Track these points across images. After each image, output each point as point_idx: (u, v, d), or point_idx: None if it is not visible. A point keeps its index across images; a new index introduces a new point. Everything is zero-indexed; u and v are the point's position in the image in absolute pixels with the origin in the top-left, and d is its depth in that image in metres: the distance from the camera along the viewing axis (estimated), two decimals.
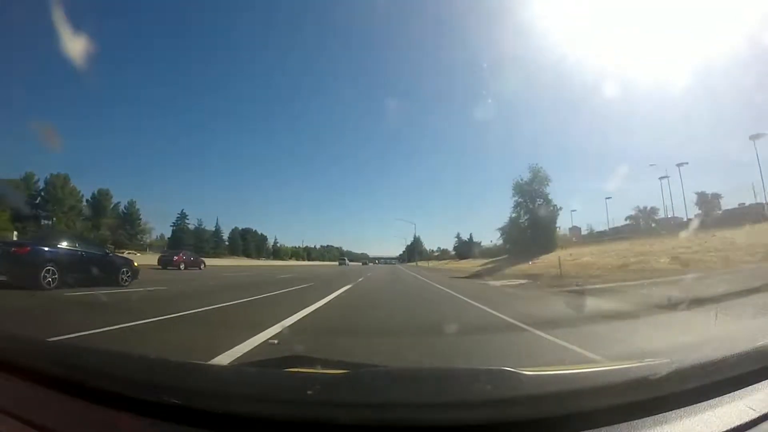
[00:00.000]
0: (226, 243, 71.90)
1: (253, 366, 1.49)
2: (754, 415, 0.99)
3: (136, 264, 11.81)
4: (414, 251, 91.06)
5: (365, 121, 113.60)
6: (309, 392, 0.97)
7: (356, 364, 1.64)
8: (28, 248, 9.20)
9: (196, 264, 27.88)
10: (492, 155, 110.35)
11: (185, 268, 25.64)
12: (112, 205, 53.03)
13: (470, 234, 78.54)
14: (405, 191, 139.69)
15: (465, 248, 68.81)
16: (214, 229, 69.08)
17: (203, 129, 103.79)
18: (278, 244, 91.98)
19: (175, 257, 26.89)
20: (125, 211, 53.62)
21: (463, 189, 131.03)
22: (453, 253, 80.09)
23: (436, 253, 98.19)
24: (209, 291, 11.00)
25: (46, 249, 9.40)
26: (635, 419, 0.94)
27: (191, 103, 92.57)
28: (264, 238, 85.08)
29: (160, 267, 24.92)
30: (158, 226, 62.22)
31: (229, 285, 13.24)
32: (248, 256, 71.15)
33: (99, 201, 51.12)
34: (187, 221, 63.55)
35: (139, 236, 53.83)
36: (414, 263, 75.30)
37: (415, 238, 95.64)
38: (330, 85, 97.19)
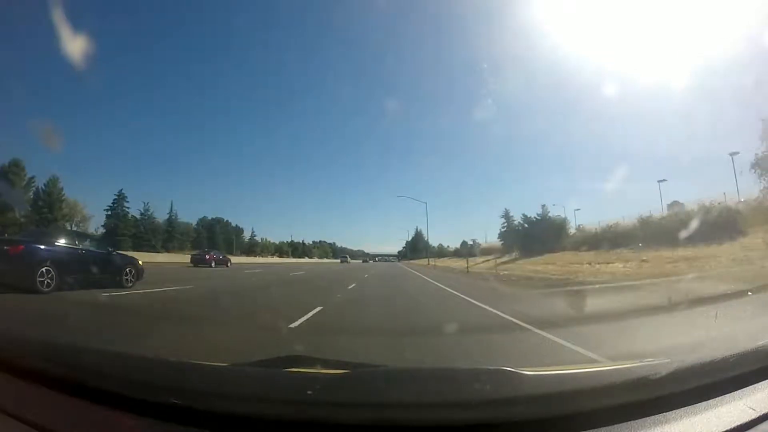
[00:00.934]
0: (193, 236, 60.46)
1: (253, 366, 1.49)
2: (754, 415, 0.99)
3: (141, 263, 11.00)
4: (420, 245, 75.45)
5: (361, 104, 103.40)
6: (309, 392, 0.97)
7: (356, 364, 1.64)
8: (23, 246, 8.44)
9: (224, 262, 31.68)
10: (507, 136, 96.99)
11: (215, 266, 28.79)
12: (24, 182, 41.60)
13: (543, 207, 38.66)
14: (406, 183, 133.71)
15: (537, 234, 35.18)
16: (167, 217, 55.65)
17: (175, 110, 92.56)
18: (255, 237, 79.35)
19: (207, 256, 30.93)
20: (44, 189, 41.98)
21: (475, 177, 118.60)
22: (499, 243, 45.80)
23: (451, 249, 72.36)
24: None
25: (43, 247, 8.61)
26: (635, 419, 0.94)
27: (160, 77, 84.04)
28: (239, 231, 73.80)
29: (192, 265, 28.12)
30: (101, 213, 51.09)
31: None
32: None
33: (6, 176, 39.53)
34: (127, 206, 50.48)
35: (60, 222, 40.67)
36: (425, 262, 52.96)
37: (417, 232, 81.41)
38: (317, 61, 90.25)
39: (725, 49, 33.99)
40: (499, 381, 1.09)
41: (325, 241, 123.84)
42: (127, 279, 10.09)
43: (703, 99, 40.01)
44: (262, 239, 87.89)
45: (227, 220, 73.19)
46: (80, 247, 9.54)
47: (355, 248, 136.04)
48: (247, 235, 79.51)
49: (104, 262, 9.86)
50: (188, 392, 1.02)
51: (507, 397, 1.01)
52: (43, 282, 8.05)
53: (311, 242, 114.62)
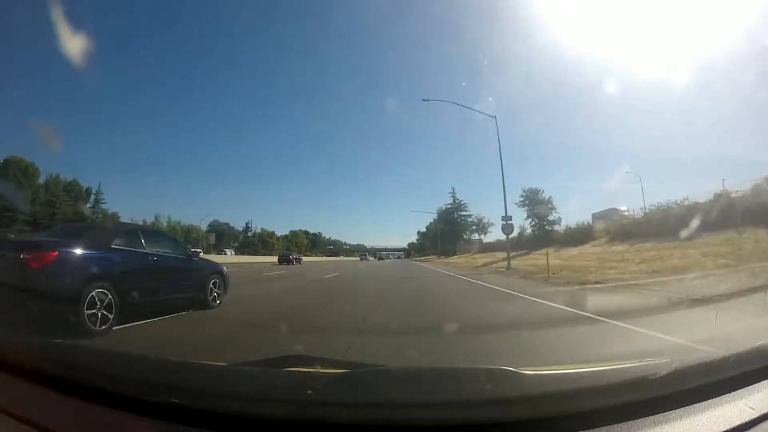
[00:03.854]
0: None
1: (253, 366, 1.49)
2: (754, 415, 0.99)
3: (226, 270, 7.73)
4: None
5: (354, 69, 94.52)
6: (309, 392, 0.97)
7: (356, 363, 1.64)
8: (56, 253, 4.73)
9: (299, 261, 43.09)
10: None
11: (295, 264, 38.12)
12: None
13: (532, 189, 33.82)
14: (413, 165, 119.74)
15: None
16: None
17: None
18: (103, 205, 54.20)
19: (291, 256, 42.31)
20: None
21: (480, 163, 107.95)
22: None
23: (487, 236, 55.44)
24: None
25: (92, 254, 5.08)
26: (635, 419, 0.94)
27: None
28: (72, 189, 46.61)
29: (277, 263, 36.99)
30: None
31: None
32: None
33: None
34: None
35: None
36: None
37: (456, 201, 57.08)
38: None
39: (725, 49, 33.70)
40: (499, 381, 1.09)
41: (307, 231, 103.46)
42: (214, 295, 7.08)
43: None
44: (167, 219, 59.43)
45: (59, 176, 44.06)
46: (150, 251, 6.05)
47: (353, 242, 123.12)
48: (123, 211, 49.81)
49: (186, 273, 6.66)
50: (188, 392, 1.02)
51: (507, 397, 1.01)
52: (95, 316, 4.64)
53: (288, 233, 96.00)
